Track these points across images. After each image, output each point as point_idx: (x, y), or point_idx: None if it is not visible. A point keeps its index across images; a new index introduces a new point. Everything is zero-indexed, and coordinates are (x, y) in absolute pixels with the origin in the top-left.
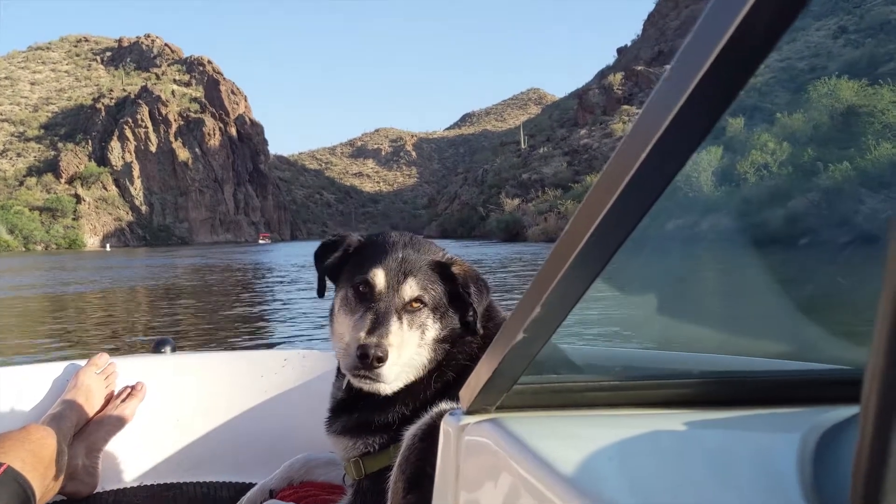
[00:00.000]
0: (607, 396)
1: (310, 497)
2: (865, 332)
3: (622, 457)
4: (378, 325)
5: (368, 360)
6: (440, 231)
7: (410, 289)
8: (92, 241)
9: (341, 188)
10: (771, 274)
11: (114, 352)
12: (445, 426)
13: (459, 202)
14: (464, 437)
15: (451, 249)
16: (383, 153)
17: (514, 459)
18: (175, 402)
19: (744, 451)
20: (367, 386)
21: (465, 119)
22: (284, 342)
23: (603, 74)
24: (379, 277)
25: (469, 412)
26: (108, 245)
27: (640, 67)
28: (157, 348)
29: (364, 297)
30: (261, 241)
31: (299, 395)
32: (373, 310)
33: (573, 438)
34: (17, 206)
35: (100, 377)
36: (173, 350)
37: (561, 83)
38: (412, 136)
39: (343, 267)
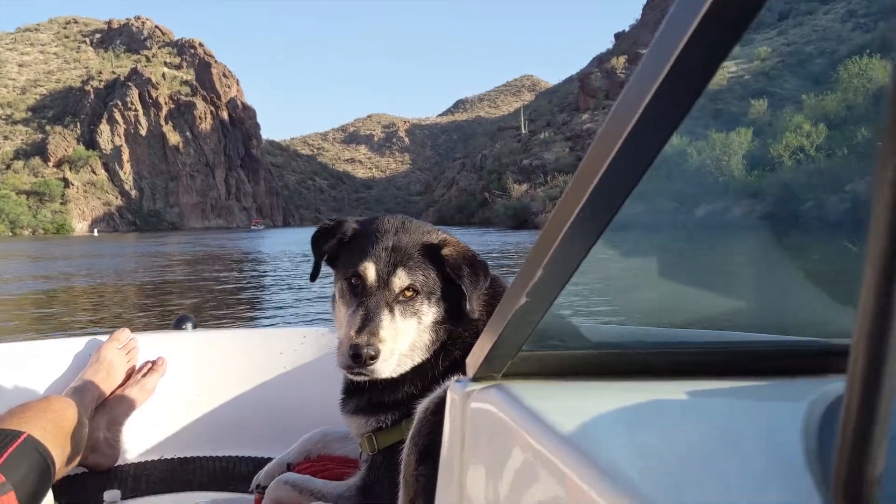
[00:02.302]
0: (612, 365)
1: (326, 470)
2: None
3: (626, 423)
4: (369, 321)
5: (361, 359)
6: (437, 218)
7: (400, 280)
8: (80, 226)
9: (334, 174)
10: (808, 259)
11: (135, 328)
12: (452, 393)
13: (457, 188)
14: (469, 404)
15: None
16: (376, 139)
17: (519, 425)
18: (195, 378)
19: (748, 420)
20: (363, 379)
21: (459, 105)
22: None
23: (601, 60)
24: (368, 271)
25: (475, 379)
26: (96, 230)
27: (643, 51)
28: (178, 325)
29: (356, 291)
30: (253, 227)
31: (317, 371)
32: (364, 305)
33: (577, 405)
34: (4, 190)
35: (121, 352)
36: (194, 327)
37: (554, 70)
38: (405, 122)
39: (340, 253)
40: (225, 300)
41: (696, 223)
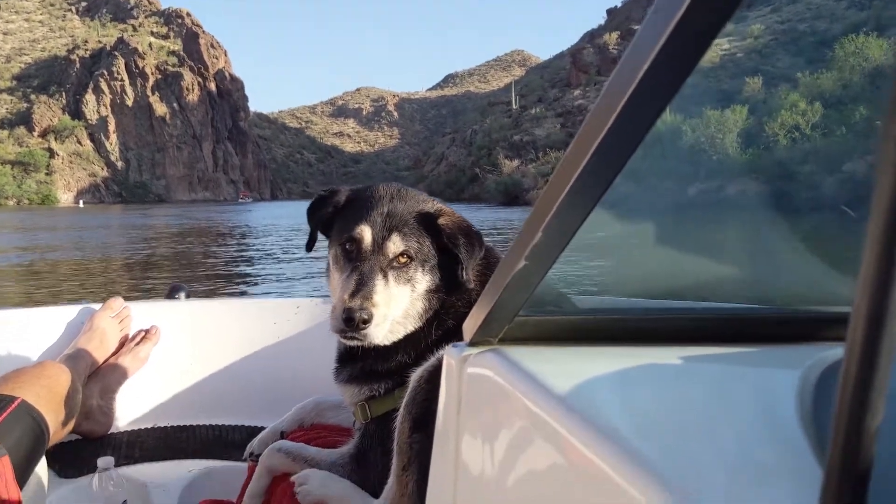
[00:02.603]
0: (608, 331)
1: (319, 438)
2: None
3: (622, 387)
4: (362, 285)
5: (354, 323)
6: (426, 193)
7: (395, 245)
8: (66, 197)
9: (322, 147)
10: (805, 235)
11: (127, 298)
12: (448, 358)
13: (447, 163)
14: (466, 368)
15: None
16: (364, 113)
17: (516, 388)
18: (188, 347)
19: (743, 384)
20: (356, 344)
21: (448, 80)
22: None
23: (593, 35)
24: (363, 235)
25: (471, 344)
26: (81, 201)
27: (636, 27)
28: (171, 294)
29: (350, 256)
30: (241, 200)
31: (311, 341)
32: (358, 270)
33: (574, 369)
34: None
35: (114, 321)
36: (187, 296)
37: (545, 45)
38: (394, 95)
39: (334, 222)
40: (215, 274)
41: (690, 200)
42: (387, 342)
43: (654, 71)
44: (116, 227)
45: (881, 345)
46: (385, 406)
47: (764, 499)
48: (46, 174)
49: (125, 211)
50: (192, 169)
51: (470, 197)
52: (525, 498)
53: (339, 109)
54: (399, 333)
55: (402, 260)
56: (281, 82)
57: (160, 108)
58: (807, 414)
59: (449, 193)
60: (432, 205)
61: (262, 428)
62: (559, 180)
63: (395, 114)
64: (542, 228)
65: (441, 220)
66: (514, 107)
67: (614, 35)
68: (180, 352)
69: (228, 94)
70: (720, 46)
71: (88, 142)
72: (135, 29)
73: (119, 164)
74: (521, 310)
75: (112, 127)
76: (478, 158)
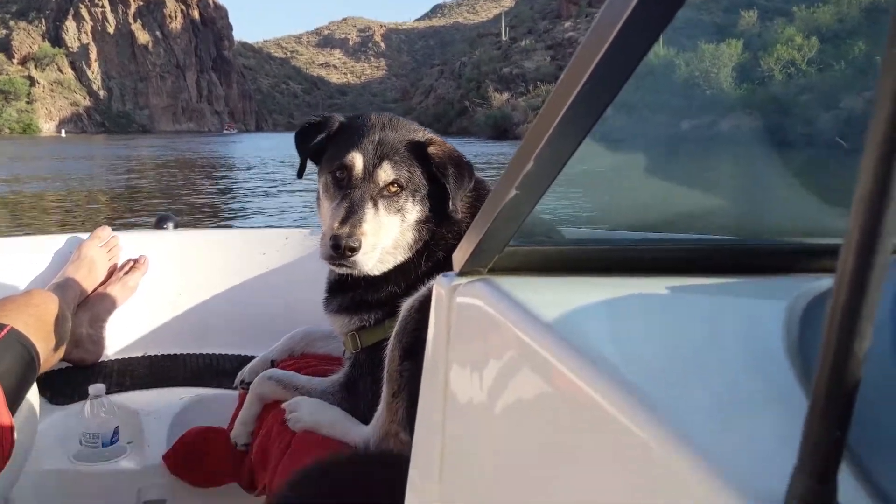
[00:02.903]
0: (598, 261)
1: (309, 368)
2: None
3: (611, 317)
4: (352, 213)
5: (341, 250)
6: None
7: (385, 173)
8: (47, 127)
9: (308, 78)
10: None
11: (116, 228)
12: (437, 287)
13: (435, 96)
14: (455, 298)
15: None
16: (351, 43)
17: (506, 317)
18: (177, 277)
19: (730, 314)
20: (345, 272)
21: (436, 10)
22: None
23: None
24: (354, 162)
25: (461, 274)
26: (63, 131)
27: None
28: (159, 224)
29: (341, 184)
30: (226, 131)
31: (300, 271)
32: (348, 197)
33: (563, 299)
34: None
35: (102, 250)
36: (176, 227)
37: None
38: (381, 26)
39: (325, 150)
40: (202, 207)
41: (684, 134)
42: (376, 272)
43: (646, 2)
44: (100, 158)
45: (871, 271)
46: (375, 336)
47: (749, 424)
48: (27, 103)
49: (108, 141)
50: (176, 99)
51: (458, 130)
52: (513, 424)
53: (326, 40)
54: (389, 264)
55: (393, 189)
56: (266, 10)
57: (142, 36)
58: (793, 344)
59: (437, 127)
60: (423, 134)
61: (252, 357)
62: (551, 109)
63: (383, 45)
64: (533, 157)
65: (431, 149)
66: (503, 38)
67: None
68: (169, 282)
69: (212, 21)
70: None
71: (70, 70)
72: None
73: (101, 93)
74: (511, 240)
75: (93, 55)
76: (467, 91)
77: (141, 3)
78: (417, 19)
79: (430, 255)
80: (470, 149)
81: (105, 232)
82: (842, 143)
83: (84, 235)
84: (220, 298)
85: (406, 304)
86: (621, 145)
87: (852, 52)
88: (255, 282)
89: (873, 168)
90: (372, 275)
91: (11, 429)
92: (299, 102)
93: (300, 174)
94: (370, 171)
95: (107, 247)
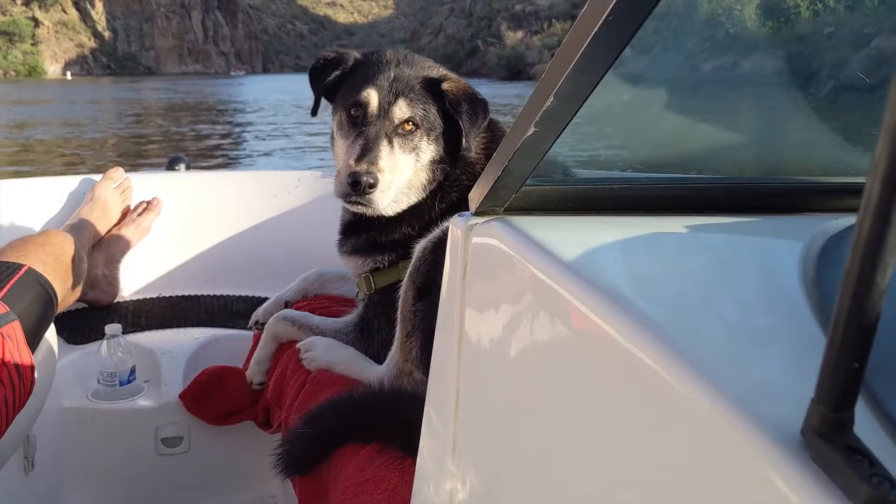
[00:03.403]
0: (615, 200)
1: (323, 308)
2: None
3: (627, 254)
4: (368, 150)
5: (360, 187)
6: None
7: (401, 110)
8: (53, 69)
9: (314, 18)
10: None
11: (127, 169)
12: (453, 227)
13: (445, 36)
14: (471, 237)
15: None
16: None
17: (522, 255)
18: (190, 219)
19: (746, 253)
20: (361, 210)
21: None
22: None
23: None
24: (370, 99)
25: (477, 213)
26: (69, 73)
27: None
28: (171, 165)
29: (356, 121)
30: (233, 73)
31: (313, 213)
32: (363, 135)
33: (580, 237)
34: None
35: (116, 191)
36: (188, 168)
37: None
38: None
39: (339, 87)
40: (212, 152)
41: (705, 76)
42: (391, 212)
43: None
44: (108, 101)
45: None
46: (389, 278)
47: (765, 358)
48: (32, 44)
49: (115, 83)
50: (182, 40)
51: (469, 72)
52: (528, 362)
53: None
54: (403, 204)
55: (408, 127)
56: None
57: None
58: (810, 281)
59: (447, 68)
60: (438, 71)
61: (266, 298)
62: (571, 44)
63: None
64: (553, 93)
65: (445, 85)
66: None
67: None
68: (182, 223)
69: None
70: None
71: (74, 10)
72: None
73: (106, 34)
74: (528, 178)
75: None
76: (478, 30)
77: None
78: None
79: (444, 197)
80: (485, 91)
81: (118, 173)
82: (864, 77)
83: (97, 177)
84: (234, 240)
85: (420, 245)
86: (641, 84)
87: None
88: (268, 223)
89: None
90: (386, 215)
91: (32, 367)
92: (306, 43)
93: (314, 112)
94: (385, 109)
95: (120, 188)
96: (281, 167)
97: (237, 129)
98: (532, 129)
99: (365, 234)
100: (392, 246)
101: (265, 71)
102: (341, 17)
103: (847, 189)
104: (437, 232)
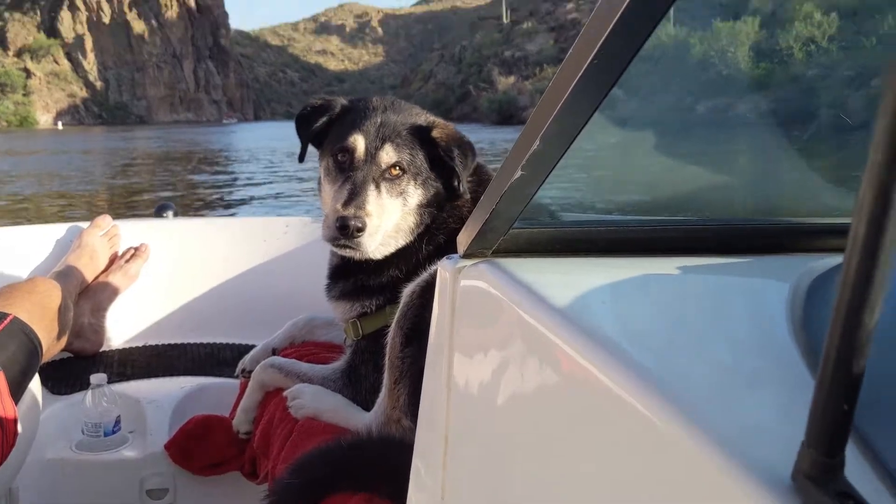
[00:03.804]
0: (603, 242)
1: (311, 355)
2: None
3: (616, 297)
4: (356, 195)
5: (348, 231)
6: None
7: (388, 155)
8: (45, 119)
9: (305, 66)
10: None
11: (116, 216)
12: (442, 270)
13: (435, 82)
14: (460, 280)
15: None
16: (348, 30)
17: (510, 299)
18: (178, 266)
19: (736, 293)
20: (349, 254)
21: None
22: None
23: None
24: (356, 144)
25: (465, 256)
26: (60, 123)
27: None
28: (158, 213)
29: (343, 167)
30: (225, 121)
31: (301, 259)
32: (351, 179)
33: (568, 279)
34: None
35: (103, 238)
36: (175, 215)
37: None
38: (378, 11)
39: (327, 133)
40: (204, 199)
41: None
42: (378, 256)
43: None
44: (97, 152)
45: (884, 238)
46: (376, 323)
47: (754, 401)
48: (24, 95)
49: (106, 133)
50: (174, 89)
51: (460, 116)
52: (518, 406)
53: (322, 26)
54: (390, 247)
55: (395, 172)
56: None
57: (138, 26)
58: (797, 322)
59: (437, 113)
60: (425, 117)
61: (253, 346)
62: (557, 88)
63: (380, 30)
64: (539, 136)
65: (435, 133)
66: (504, 21)
67: None
68: (169, 271)
69: (208, 10)
70: None
71: (65, 61)
72: None
73: (98, 84)
74: (516, 221)
75: (89, 45)
76: (468, 76)
77: None
78: (415, 4)
79: (431, 239)
80: (477, 136)
81: (105, 220)
82: (846, 119)
83: (84, 224)
84: (221, 287)
85: (407, 289)
86: (632, 127)
87: (882, 28)
88: (257, 270)
89: (888, 134)
90: (374, 259)
91: (15, 419)
92: (297, 90)
93: (301, 158)
94: (372, 154)
95: (107, 235)
96: (272, 214)
97: (229, 178)
98: (519, 173)
99: (353, 278)
100: (380, 290)
101: (256, 118)
102: (332, 64)
103: (833, 229)
104: (424, 276)
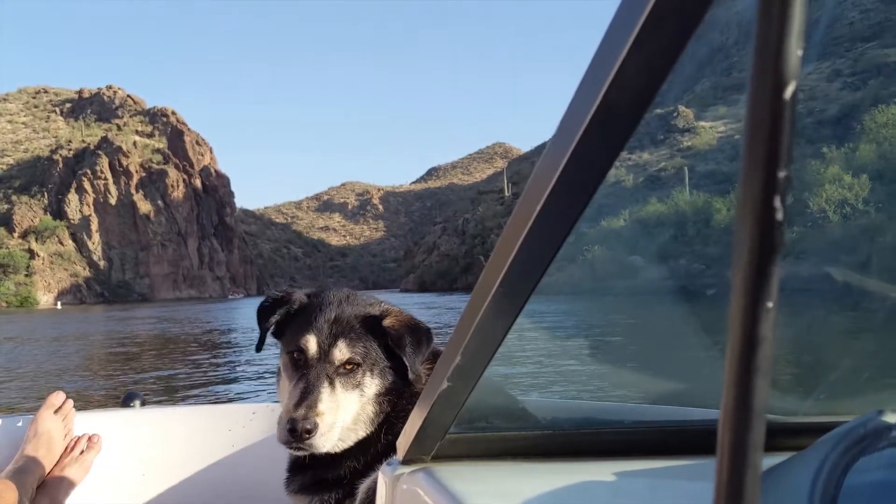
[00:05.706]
0: (540, 446)
1: None
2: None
3: None
4: (307, 394)
5: (297, 433)
6: (418, 284)
7: (341, 352)
8: (46, 299)
9: (308, 242)
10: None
11: (82, 407)
12: (382, 476)
13: (438, 253)
14: (398, 487)
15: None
16: (350, 207)
17: None
18: (143, 457)
19: (673, 500)
20: (303, 454)
21: (431, 173)
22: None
23: None
24: (308, 345)
25: (404, 462)
26: (59, 303)
27: None
28: (125, 402)
29: (298, 364)
30: (230, 297)
31: (268, 448)
32: (304, 378)
33: (505, 489)
34: None
35: (57, 418)
36: (143, 404)
37: (527, 137)
38: (379, 189)
39: (287, 325)
40: (206, 385)
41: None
42: (337, 449)
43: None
44: (89, 336)
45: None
46: None
47: None
48: (26, 275)
49: (105, 312)
50: (177, 267)
51: (464, 287)
52: None
53: (325, 204)
54: (350, 440)
55: (349, 367)
56: (267, 178)
57: (144, 206)
58: None
59: (442, 284)
60: (379, 307)
61: None
62: (475, 303)
63: (380, 207)
64: (461, 351)
65: (386, 322)
66: (506, 194)
67: None
68: (134, 462)
69: (214, 190)
70: (716, 129)
71: (70, 241)
72: (119, 128)
73: (101, 263)
74: (451, 427)
75: (94, 226)
76: (471, 247)
77: (143, 174)
78: (414, 182)
79: (391, 428)
80: None
81: (58, 398)
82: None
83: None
84: (187, 477)
85: (362, 487)
86: (554, 330)
87: None
88: (222, 459)
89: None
90: (332, 452)
91: None
92: (300, 266)
93: (258, 348)
94: (325, 351)
95: (61, 414)
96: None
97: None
98: (445, 384)
99: (311, 471)
100: (338, 482)
101: (259, 293)
102: (334, 240)
103: (769, 430)
104: (377, 473)
